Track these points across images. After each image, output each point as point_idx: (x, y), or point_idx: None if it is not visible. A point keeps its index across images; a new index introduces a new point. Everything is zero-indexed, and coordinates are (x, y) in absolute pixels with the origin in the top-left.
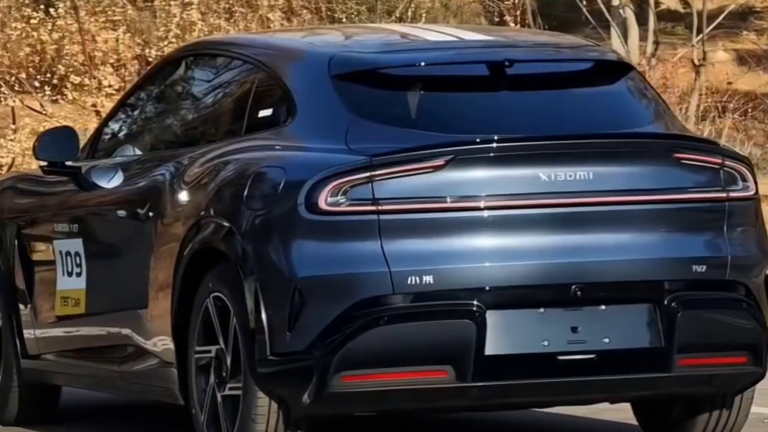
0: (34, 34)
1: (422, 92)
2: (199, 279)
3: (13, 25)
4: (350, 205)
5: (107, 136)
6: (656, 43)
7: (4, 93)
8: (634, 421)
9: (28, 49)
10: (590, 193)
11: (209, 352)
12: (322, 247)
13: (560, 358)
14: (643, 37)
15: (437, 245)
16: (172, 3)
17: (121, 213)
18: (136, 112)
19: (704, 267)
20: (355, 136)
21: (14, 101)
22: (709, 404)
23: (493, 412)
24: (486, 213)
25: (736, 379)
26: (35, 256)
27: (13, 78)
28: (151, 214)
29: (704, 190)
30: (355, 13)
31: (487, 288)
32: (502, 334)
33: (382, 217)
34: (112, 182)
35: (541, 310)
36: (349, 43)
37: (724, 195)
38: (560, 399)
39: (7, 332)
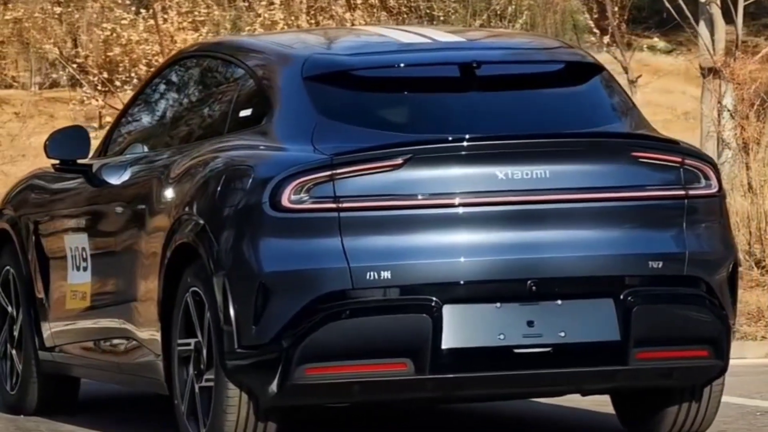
0: (125, 34)
1: (389, 93)
2: (180, 274)
3: (104, 25)
4: (312, 202)
5: (119, 135)
6: (737, 40)
7: (86, 93)
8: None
9: (118, 50)
10: (546, 191)
11: (189, 344)
12: (285, 243)
13: (516, 351)
14: (729, 34)
15: (396, 242)
16: (259, 3)
17: (119, 209)
18: (143, 111)
19: (660, 263)
20: (321, 136)
21: (98, 101)
22: (678, 396)
23: (473, 404)
24: (443, 210)
25: (697, 372)
26: (50, 251)
27: (96, 78)
28: (142, 210)
29: (662, 188)
30: (453, 11)
31: (444, 283)
32: (458, 328)
33: (342, 214)
34: (120, 179)
35: (498, 304)
36: (325, 45)
37: (683, 193)
38: (518, 391)
39: (26, 325)
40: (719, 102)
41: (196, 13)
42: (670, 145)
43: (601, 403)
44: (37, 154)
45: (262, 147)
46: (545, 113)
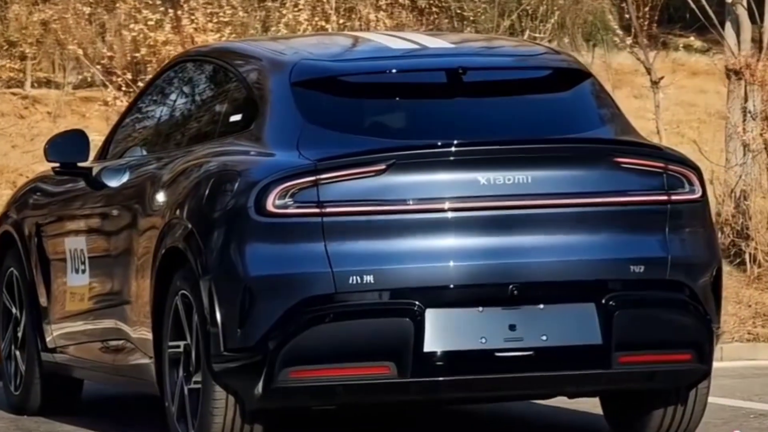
0: (152, 35)
1: (375, 99)
2: (171, 277)
3: (131, 26)
4: (297, 207)
5: (119, 138)
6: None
7: (109, 95)
8: None
9: (144, 50)
10: (528, 196)
11: (179, 347)
12: (270, 247)
13: (498, 354)
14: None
15: (378, 246)
16: (284, 4)
17: (115, 212)
18: (142, 115)
19: (642, 267)
20: (307, 141)
21: (122, 102)
22: (663, 398)
23: (463, 406)
24: (426, 215)
25: (680, 375)
26: (51, 254)
27: (120, 79)
28: (136, 213)
29: (644, 193)
30: (482, 11)
31: (426, 287)
32: (440, 332)
33: (326, 219)
34: (119, 182)
35: (480, 308)
36: (315, 51)
37: (665, 198)
38: (500, 394)
39: (29, 326)
40: (744, 104)
41: (221, 14)
42: (653, 151)
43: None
44: None
45: (249, 152)
46: (529, 119)
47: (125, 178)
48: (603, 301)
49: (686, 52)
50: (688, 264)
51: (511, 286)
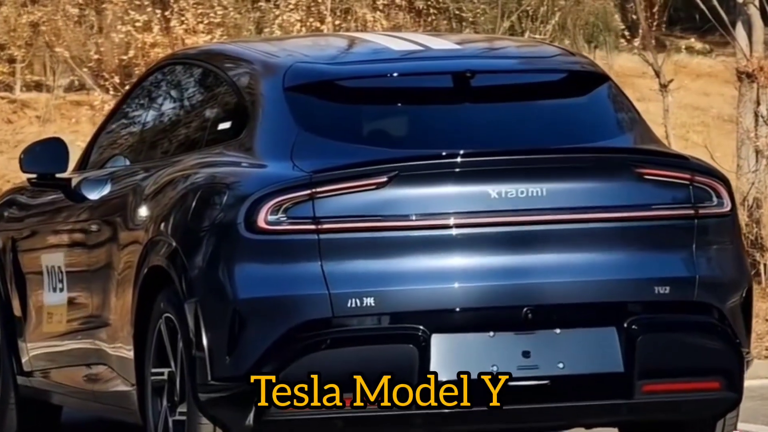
0: (139, 37)
1: (375, 105)
2: (154, 299)
3: (119, 27)
4: (290, 223)
5: (100, 147)
6: None
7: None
8: None
9: (132, 53)
10: (543, 211)
11: (162, 374)
12: (261, 267)
13: (510, 384)
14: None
15: (380, 266)
16: (278, 6)
17: (94, 227)
18: (124, 122)
19: (668, 288)
20: (301, 151)
21: (108, 105)
22: (688, 430)
23: None
24: (431, 232)
25: (708, 405)
26: (28, 270)
27: (107, 82)
28: (117, 229)
29: (669, 207)
30: (482, 12)
31: (432, 311)
32: (447, 359)
33: (322, 236)
34: (100, 195)
35: (491, 333)
36: (310, 54)
37: (692, 212)
38: (513, 426)
39: (4, 348)
40: (756, 108)
41: (212, 15)
42: (679, 161)
43: None
44: None
45: (238, 163)
46: (542, 127)
47: (106, 190)
48: (625, 325)
49: (688, 54)
50: (716, 284)
51: (524, 309)
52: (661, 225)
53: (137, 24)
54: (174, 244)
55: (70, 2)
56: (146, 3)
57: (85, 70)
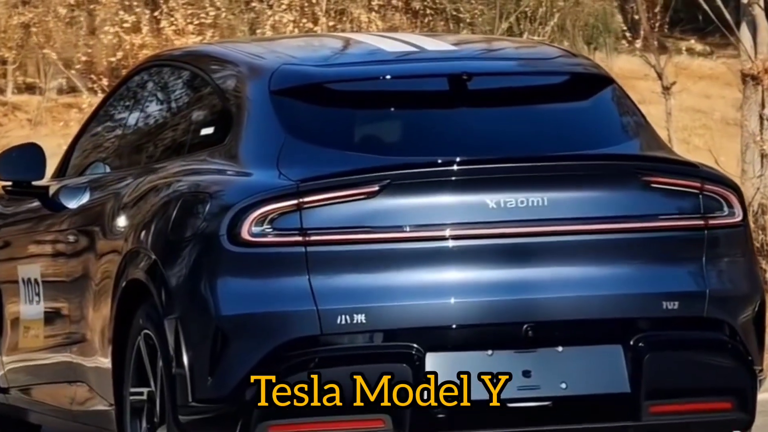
0: (127, 38)
1: (367, 110)
2: (133, 314)
3: (107, 28)
4: (276, 235)
5: (80, 153)
6: None
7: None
8: None
9: (120, 54)
10: (544, 222)
11: (142, 394)
12: (245, 282)
13: (510, 405)
14: None
15: (371, 280)
16: (271, 6)
17: (72, 238)
18: (105, 126)
19: (676, 303)
20: (288, 159)
21: None
22: None
23: None
24: (426, 244)
25: (719, 426)
26: (3, 283)
27: (96, 85)
28: (94, 240)
29: (678, 218)
30: (480, 13)
31: (427, 327)
32: (443, 380)
33: (310, 249)
34: (79, 203)
35: (489, 352)
36: (299, 55)
37: (702, 222)
38: None
39: None
40: (761, 110)
41: (203, 15)
42: (688, 169)
43: None
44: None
45: (221, 171)
46: (544, 132)
47: (85, 198)
48: (631, 343)
49: (689, 56)
50: (727, 298)
51: (525, 326)
52: (669, 236)
53: (125, 25)
54: (153, 256)
55: (61, 3)
56: (135, 3)
57: (73, 72)
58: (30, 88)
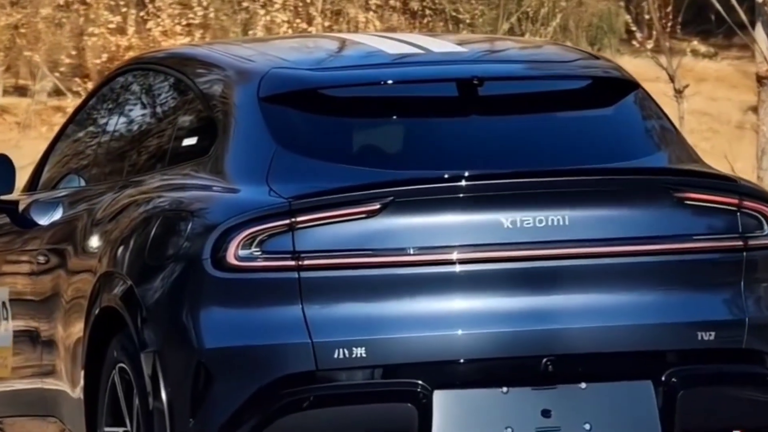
0: (112, 40)
1: (366, 118)
2: (108, 344)
3: (91, 29)
4: (266, 259)
5: (53, 165)
6: None
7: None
8: None
9: (105, 56)
10: (565, 243)
11: None
12: (231, 311)
13: None
14: None
15: (371, 309)
16: (264, 6)
17: (42, 258)
18: (81, 135)
19: (713, 333)
20: (279, 173)
21: None
22: None
23: None
24: (433, 269)
25: None
26: None
27: (82, 87)
28: (66, 261)
29: (714, 238)
30: (480, 13)
31: (434, 362)
32: (452, 420)
33: (303, 274)
34: (51, 219)
35: (504, 389)
36: (291, 58)
37: (741, 243)
38: None
39: None
40: None
41: (191, 15)
42: (724, 183)
43: None
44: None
45: (205, 186)
46: (563, 143)
47: (58, 214)
48: (663, 378)
49: (693, 57)
50: None
51: (544, 360)
52: (705, 259)
53: (111, 26)
54: (129, 281)
55: (50, 4)
56: (122, 3)
57: (57, 74)
58: (22, 91)
